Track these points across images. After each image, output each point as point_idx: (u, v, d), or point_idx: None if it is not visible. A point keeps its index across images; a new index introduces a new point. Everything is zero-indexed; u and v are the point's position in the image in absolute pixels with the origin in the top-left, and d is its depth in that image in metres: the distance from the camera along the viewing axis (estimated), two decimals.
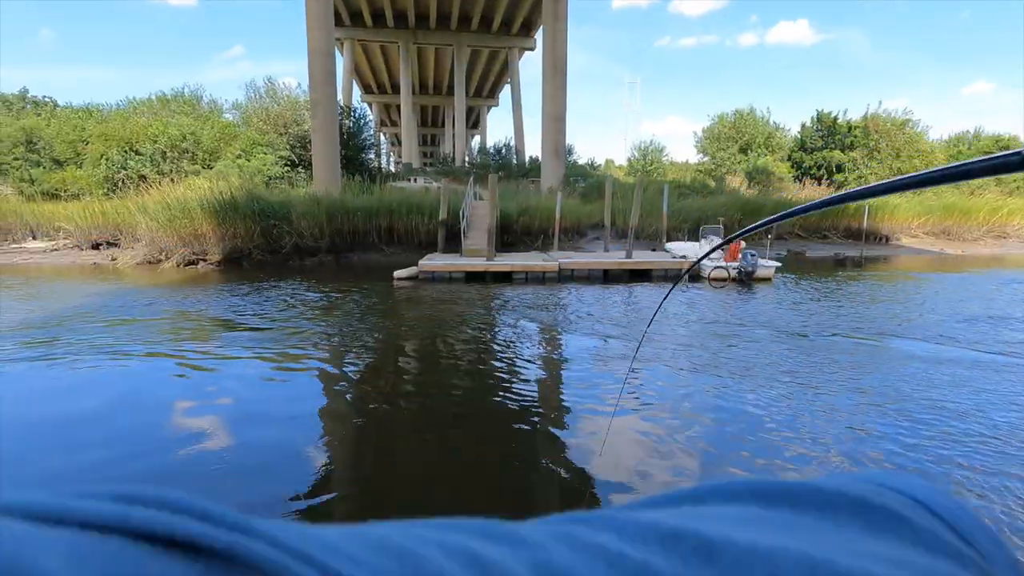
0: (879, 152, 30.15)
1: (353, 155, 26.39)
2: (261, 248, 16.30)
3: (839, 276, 14.64)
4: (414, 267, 13.41)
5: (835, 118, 31.87)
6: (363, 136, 28.37)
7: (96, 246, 17.96)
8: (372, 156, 29.79)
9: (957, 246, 22.72)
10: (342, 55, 39.76)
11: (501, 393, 5.47)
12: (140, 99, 28.84)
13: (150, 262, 15.98)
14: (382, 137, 56.04)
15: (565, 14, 25.72)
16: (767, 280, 13.30)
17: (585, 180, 27.63)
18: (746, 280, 13.07)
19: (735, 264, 13.22)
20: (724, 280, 13.24)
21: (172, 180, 20.58)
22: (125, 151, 22.66)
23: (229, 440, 4.34)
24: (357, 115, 29.12)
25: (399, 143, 54.94)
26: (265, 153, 23.45)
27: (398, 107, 48.19)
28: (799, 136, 33.22)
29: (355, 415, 5.09)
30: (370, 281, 12.93)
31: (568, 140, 28.10)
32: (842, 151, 30.73)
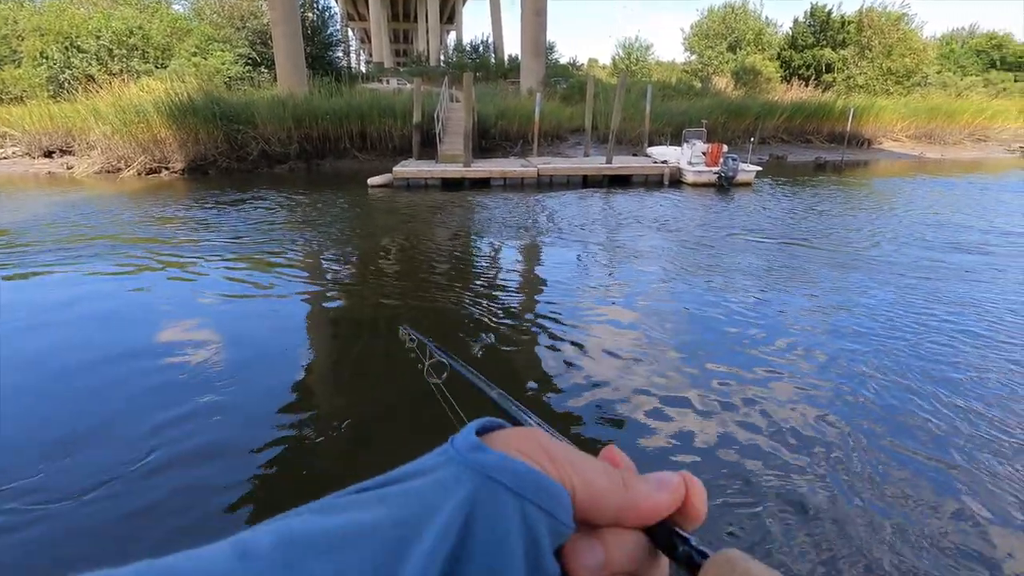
0: (870, 51, 29.04)
1: (319, 53, 24.56)
2: (226, 155, 15.52)
3: (816, 182, 14.60)
4: (388, 174, 12.98)
5: (829, 12, 30.29)
6: (329, 31, 26.24)
7: (48, 154, 16.92)
8: (340, 54, 27.77)
9: (938, 150, 22.66)
10: None
11: (486, 302, 5.51)
12: None
13: (109, 171, 15.18)
14: (350, 33, 51.96)
15: None
16: (747, 185, 13.23)
17: (567, 81, 26.30)
18: (727, 185, 12.97)
19: (716, 169, 13.06)
20: (705, 184, 13.13)
21: (123, 80, 19.05)
22: (66, 48, 20.71)
23: (214, 357, 4.34)
24: (321, 7, 26.76)
25: (369, 40, 51.06)
26: (223, 51, 21.67)
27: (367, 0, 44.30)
28: (791, 32, 31.69)
29: (338, 328, 5.12)
30: (344, 189, 12.53)
31: (550, 37, 26.47)
32: (833, 49, 29.53)
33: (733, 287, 5.83)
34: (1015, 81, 33.41)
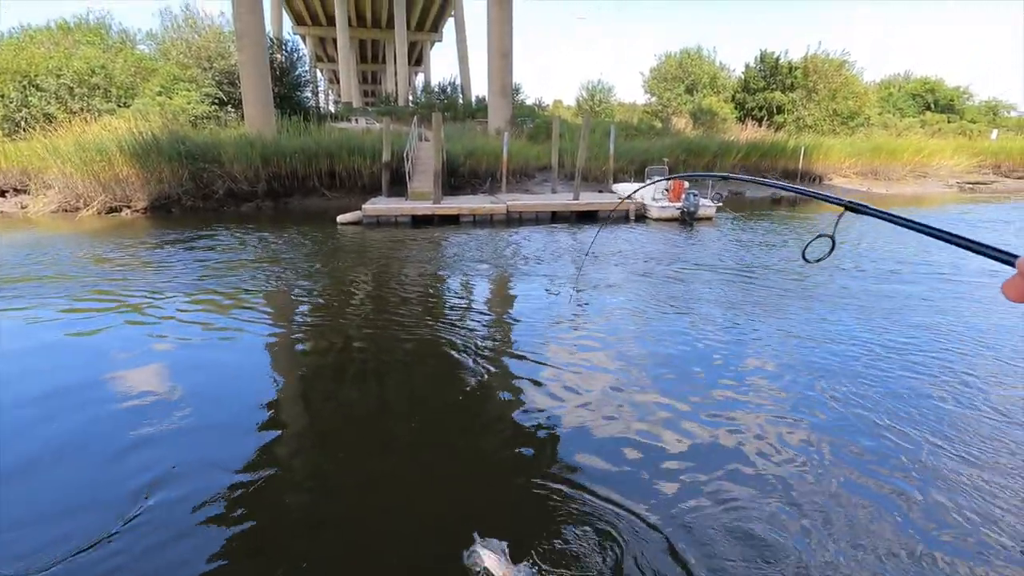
0: (817, 94, 30.91)
1: (287, 93, 24.71)
2: (191, 194, 15.29)
3: (773, 216, 15.25)
4: (358, 211, 13.00)
5: (777, 58, 32.23)
6: (298, 72, 26.49)
7: (1, 193, 16.36)
8: (309, 94, 27.98)
9: (883, 185, 24.01)
10: None
11: (456, 335, 5.51)
12: (36, 27, 25.64)
13: (66, 210, 14.75)
14: (319, 74, 52.59)
15: None
16: (709, 219, 13.73)
17: (533, 120, 27.09)
18: (689, 220, 13.44)
19: (679, 204, 13.54)
20: (669, 220, 13.57)
21: (84, 119, 18.72)
22: (24, 86, 20.32)
23: (170, 404, 4.21)
24: (289, 49, 27.08)
25: (337, 80, 51.68)
26: (189, 90, 21.59)
27: (334, 41, 45.04)
28: (743, 76, 33.52)
29: (307, 368, 5.03)
30: (313, 226, 12.46)
31: (515, 79, 27.29)
32: (783, 92, 31.31)
33: (699, 317, 6.00)
34: (948, 122, 35.89)
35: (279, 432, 3.65)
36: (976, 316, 6.08)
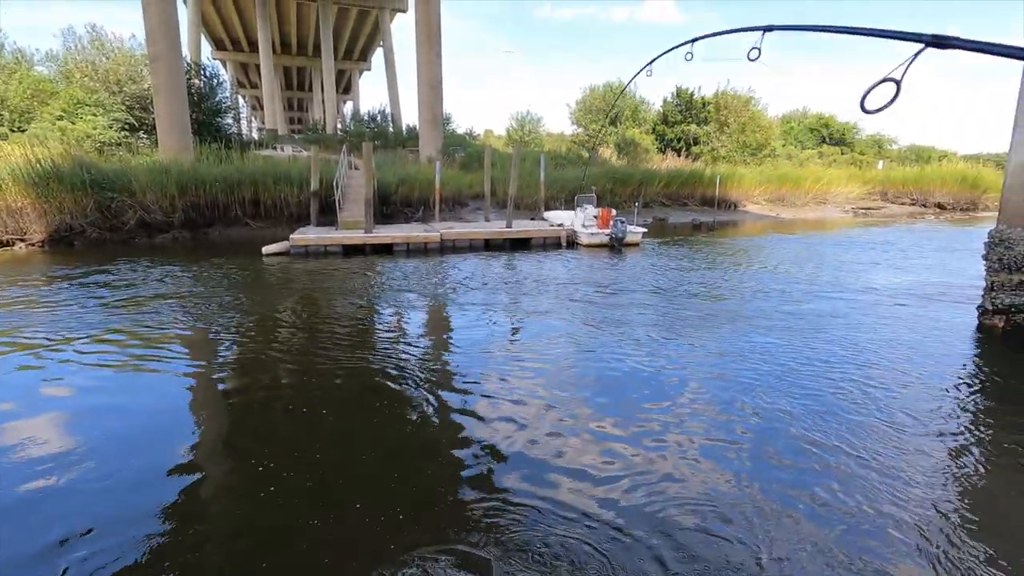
0: (728, 127, 33.32)
1: (207, 119, 23.68)
2: (97, 225, 14.17)
3: (694, 241, 16.13)
4: (285, 242, 12.53)
5: (691, 94, 34.55)
6: (218, 98, 25.50)
7: None
8: (230, 121, 26.95)
9: (790, 211, 26.02)
10: (185, 4, 35.14)
11: (392, 367, 5.37)
12: None
13: None
14: (241, 100, 50.82)
15: None
16: (636, 245, 14.31)
17: (464, 149, 27.39)
18: (618, 246, 13.95)
19: (607, 231, 14.04)
20: (599, 245, 14.03)
21: None
22: None
23: (77, 449, 3.82)
24: (209, 74, 26.05)
25: (261, 107, 50.17)
26: (95, 115, 20.21)
27: (258, 67, 43.85)
28: (662, 110, 35.63)
29: (229, 410, 4.73)
30: (236, 258, 11.86)
31: (446, 109, 27.60)
32: (698, 125, 33.53)
33: (630, 339, 6.19)
34: (841, 154, 39.69)
35: (198, 480, 3.38)
36: (875, 330, 6.65)
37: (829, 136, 42.36)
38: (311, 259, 12.05)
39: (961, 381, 5.11)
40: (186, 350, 5.97)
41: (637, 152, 31.71)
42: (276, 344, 6.15)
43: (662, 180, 23.83)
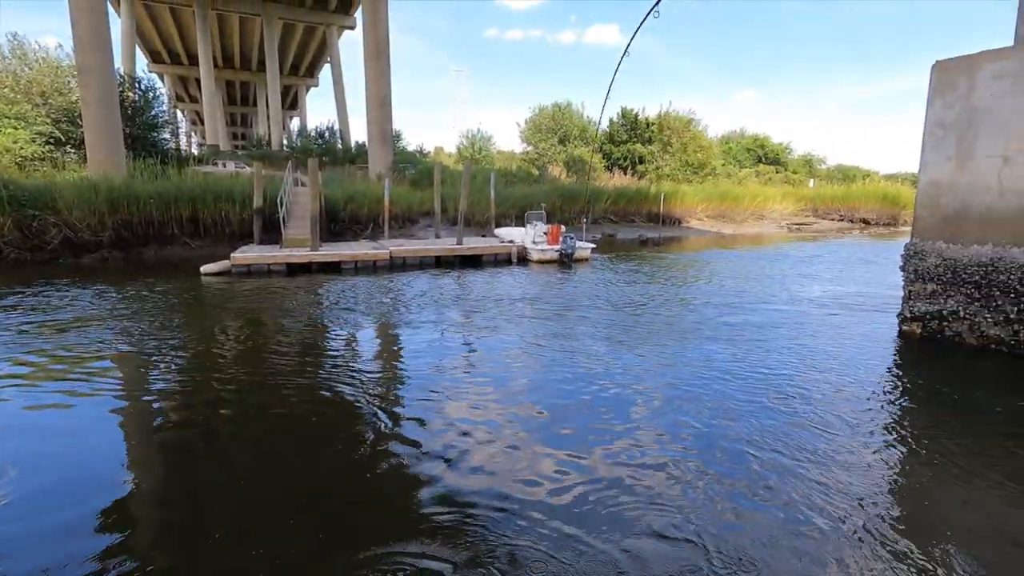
0: (671, 146, 34.66)
1: (141, 134, 22.66)
2: (16, 244, 13.22)
3: (641, 256, 16.59)
4: (225, 261, 12.05)
5: (636, 115, 35.79)
6: (154, 112, 24.45)
7: None
8: (167, 136, 25.87)
9: (731, 227, 27.20)
10: (119, 15, 33.72)
11: (340, 388, 5.21)
12: None
13: None
14: (180, 115, 48.92)
15: None
16: (585, 260, 14.57)
17: (415, 167, 27.30)
18: (568, 261, 14.17)
19: (557, 247, 14.25)
20: (549, 261, 14.20)
21: None
22: None
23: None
24: (144, 87, 24.98)
25: (202, 122, 48.42)
26: (15, 127, 18.95)
27: (198, 80, 42.41)
28: (608, 130, 36.70)
29: (163, 440, 4.45)
30: (172, 278, 11.30)
31: (396, 126, 27.49)
32: (643, 144, 34.71)
33: (580, 353, 6.26)
34: (776, 172, 41.96)
35: (119, 518, 3.15)
36: (809, 338, 7.00)
37: (765, 156, 44.73)
38: (253, 278, 11.62)
39: (884, 384, 5.44)
40: (112, 377, 5.60)
41: (585, 170, 32.48)
42: (213, 367, 5.87)
43: (610, 197, 24.47)
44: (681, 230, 25.65)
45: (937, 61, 6.66)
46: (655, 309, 8.84)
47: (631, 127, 35.43)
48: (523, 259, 14.67)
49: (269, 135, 41.27)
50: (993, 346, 6.23)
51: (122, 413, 4.73)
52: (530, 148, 39.36)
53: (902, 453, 3.98)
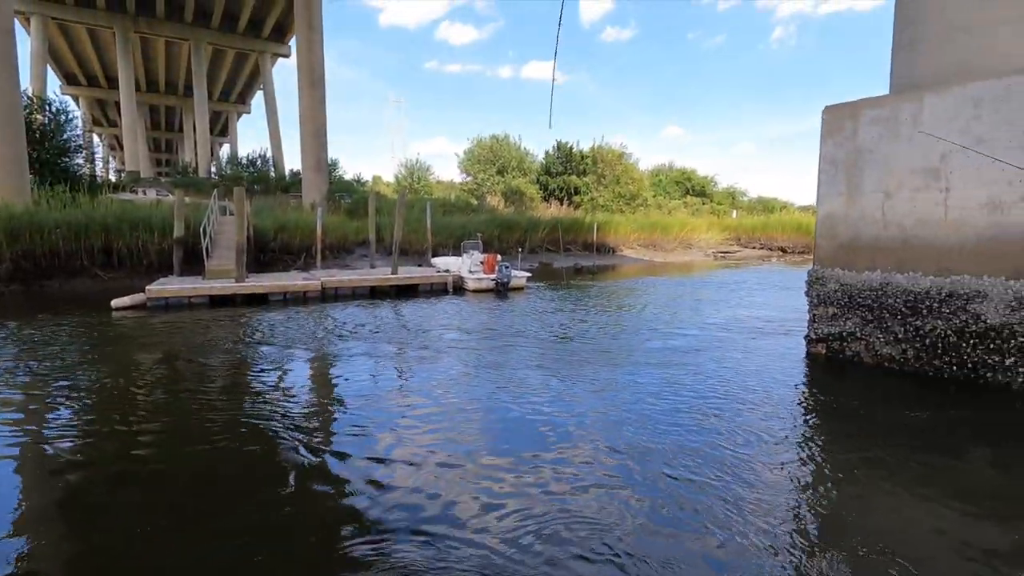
0: (605, 178, 36.06)
1: (51, 158, 21.24)
2: None
3: (576, 284, 17.00)
4: (140, 294, 11.34)
5: (570, 148, 37.09)
6: (65, 136, 23.00)
7: None
8: (80, 161, 24.32)
9: (661, 255, 28.42)
10: (28, 33, 31.79)
11: (267, 427, 4.97)
12: None
13: None
14: (96, 139, 46.15)
15: (320, 25, 24.89)
16: (520, 289, 14.76)
17: (351, 196, 26.95)
18: (503, 290, 14.30)
19: (493, 276, 14.37)
20: (485, 290, 14.27)
21: None
22: None
23: None
24: (55, 109, 23.49)
25: (121, 147, 45.89)
26: None
27: (117, 104, 40.33)
28: (545, 162, 37.78)
29: (66, 488, 4.07)
30: (79, 313, 10.48)
31: (333, 154, 27.17)
32: (578, 176, 35.93)
33: (514, 382, 6.30)
34: (703, 204, 44.45)
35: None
36: (728, 360, 7.37)
37: (692, 188, 47.30)
38: (172, 312, 10.98)
39: (793, 402, 5.80)
40: (8, 420, 5.10)
41: (523, 200, 33.16)
42: (121, 409, 5.45)
43: (546, 227, 25.04)
44: (615, 258, 26.52)
45: (827, 106, 7.37)
46: (587, 336, 9.05)
47: (566, 159, 36.64)
48: (459, 288, 14.68)
49: (196, 162, 39.64)
50: (886, 364, 6.79)
51: (11, 464, 4.29)
52: (469, 178, 39.82)
53: (809, 466, 4.24)
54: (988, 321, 5.92)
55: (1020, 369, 5.74)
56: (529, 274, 15.51)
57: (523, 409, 5.43)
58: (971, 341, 6.05)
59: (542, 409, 5.43)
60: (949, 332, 6.22)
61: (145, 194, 25.96)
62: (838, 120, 7.21)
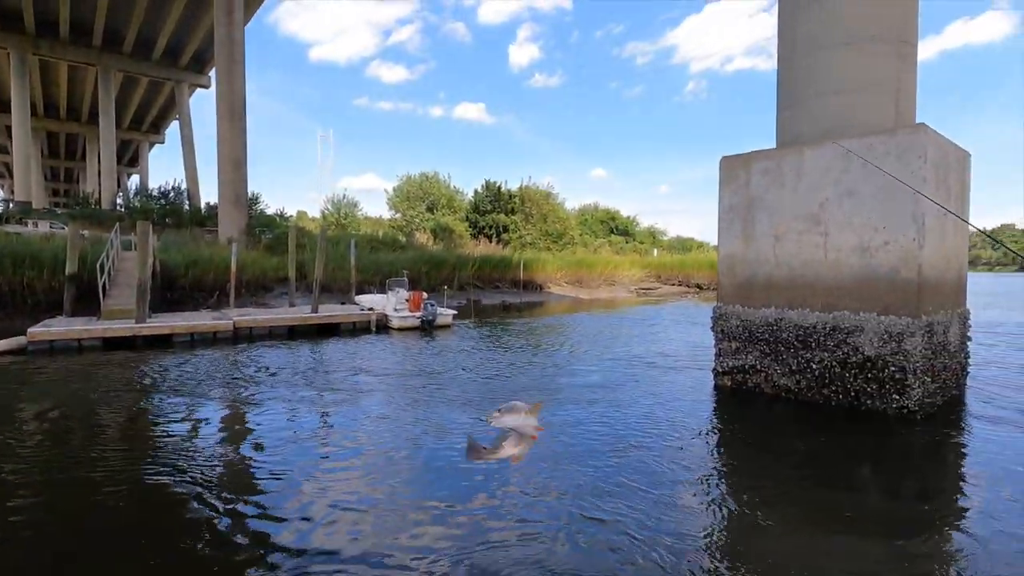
0: (532, 217, 37.03)
1: None
2: None
3: (503, 321, 17.14)
4: (20, 337, 10.25)
5: (499, 187, 37.93)
6: None
7: None
8: None
9: (587, 292, 29.29)
10: None
11: (169, 482, 4.54)
12: None
13: None
14: None
15: (242, 57, 24.36)
16: (447, 327, 14.66)
17: (273, 231, 25.96)
18: (429, 328, 14.15)
19: (419, 314, 14.21)
20: (410, 328, 14.06)
21: None
22: None
23: None
24: None
25: (11, 175, 42.01)
26: None
27: (9, 129, 37.09)
28: (474, 200, 38.35)
29: None
30: None
31: (255, 188, 26.22)
32: (506, 214, 36.68)
33: (433, 424, 6.18)
34: (626, 243, 46.54)
35: None
36: (644, 393, 7.63)
37: (616, 227, 49.51)
38: (58, 357, 9.98)
39: (702, 432, 6.08)
40: None
41: (452, 238, 33.33)
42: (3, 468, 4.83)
43: (475, 264, 25.22)
44: (542, 295, 27.04)
45: (723, 157, 8.05)
46: (510, 373, 9.09)
47: (495, 198, 37.38)
48: (384, 327, 14.38)
49: (99, 193, 36.92)
50: (783, 394, 7.29)
51: None
52: (398, 215, 39.64)
53: (712, 495, 4.42)
54: (865, 352, 6.54)
55: (893, 396, 6.35)
56: (455, 312, 15.47)
57: (445, 448, 5.34)
58: (852, 371, 6.65)
59: (463, 447, 5.36)
60: (834, 363, 6.80)
61: (37, 227, 23.79)
62: (733, 170, 7.88)
